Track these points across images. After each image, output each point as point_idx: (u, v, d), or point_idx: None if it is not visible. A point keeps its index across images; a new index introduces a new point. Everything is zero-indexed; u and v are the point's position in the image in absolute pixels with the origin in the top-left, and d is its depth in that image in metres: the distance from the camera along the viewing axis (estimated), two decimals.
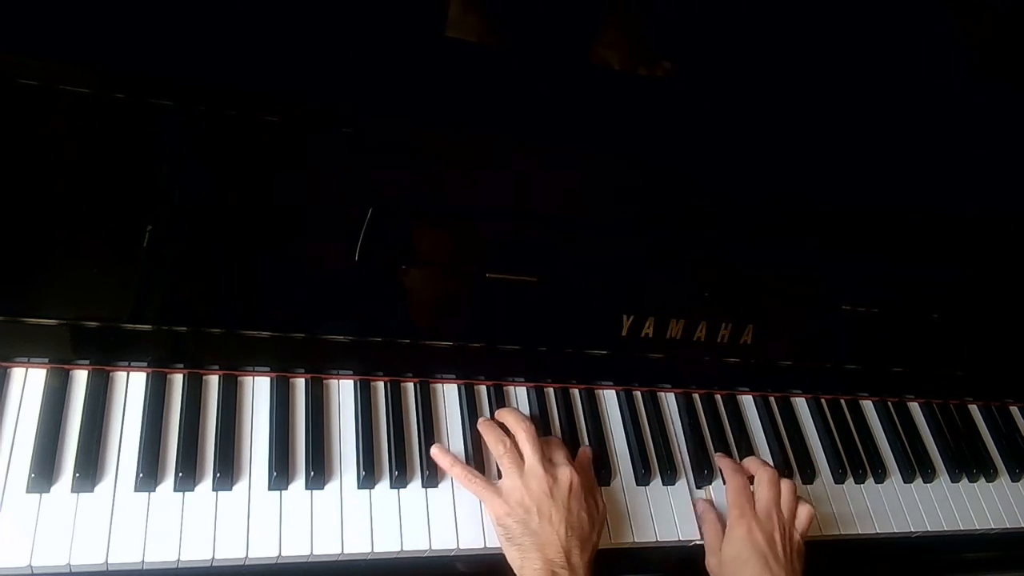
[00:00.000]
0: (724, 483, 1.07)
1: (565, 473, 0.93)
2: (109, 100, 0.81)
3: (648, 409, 1.12)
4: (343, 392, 0.99)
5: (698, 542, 1.03)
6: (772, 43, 1.08)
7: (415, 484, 0.96)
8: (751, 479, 1.05)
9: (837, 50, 1.10)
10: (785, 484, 1.03)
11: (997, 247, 1.24)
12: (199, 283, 0.90)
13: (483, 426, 0.99)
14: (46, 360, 0.89)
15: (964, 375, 1.30)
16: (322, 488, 0.92)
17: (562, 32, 1.03)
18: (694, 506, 1.05)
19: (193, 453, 0.88)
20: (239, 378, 0.95)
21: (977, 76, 1.18)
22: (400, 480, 0.94)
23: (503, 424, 0.99)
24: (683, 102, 1.09)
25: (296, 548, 0.87)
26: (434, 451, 0.96)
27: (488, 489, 0.93)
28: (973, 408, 1.33)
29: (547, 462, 0.94)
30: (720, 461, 1.08)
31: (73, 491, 0.84)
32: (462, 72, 0.98)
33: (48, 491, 0.83)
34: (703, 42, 1.08)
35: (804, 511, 1.01)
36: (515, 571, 0.89)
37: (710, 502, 1.06)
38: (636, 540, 1.01)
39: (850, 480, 1.16)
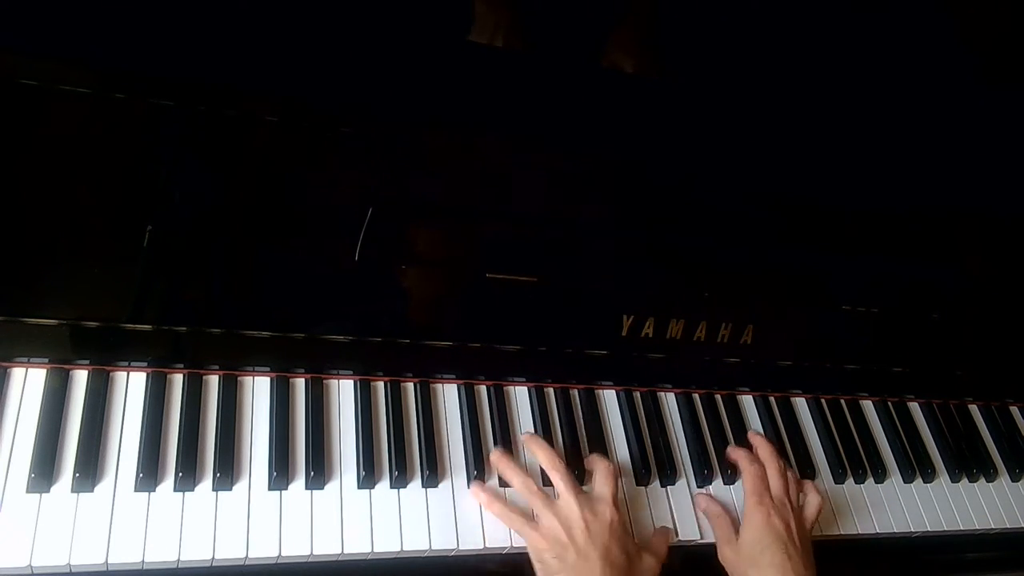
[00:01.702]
0: (723, 482, 1.08)
1: (604, 510, 0.92)
2: (109, 100, 0.81)
3: (648, 409, 1.11)
4: (343, 392, 0.99)
5: (698, 542, 1.03)
6: (771, 46, 1.08)
7: (415, 484, 0.96)
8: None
9: (837, 51, 1.10)
10: (791, 474, 1.05)
11: (997, 247, 1.24)
12: (199, 283, 0.90)
13: (504, 467, 0.96)
14: (46, 360, 0.89)
15: (964, 375, 1.30)
16: (322, 488, 0.92)
17: (564, 32, 1.03)
18: (695, 502, 1.05)
19: (193, 453, 0.88)
20: (239, 378, 0.95)
21: (976, 76, 1.18)
22: (400, 480, 0.94)
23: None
24: (685, 103, 1.09)
25: (296, 548, 0.87)
26: (473, 488, 0.95)
27: (527, 525, 0.92)
28: (973, 408, 1.33)
29: (583, 497, 0.93)
30: (735, 452, 1.07)
31: (73, 491, 0.84)
32: (462, 72, 0.98)
33: (48, 491, 0.83)
34: (707, 45, 1.07)
35: (814, 502, 1.03)
36: None
37: (710, 496, 1.05)
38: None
39: (850, 480, 1.16)
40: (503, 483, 0.98)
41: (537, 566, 0.91)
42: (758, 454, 1.06)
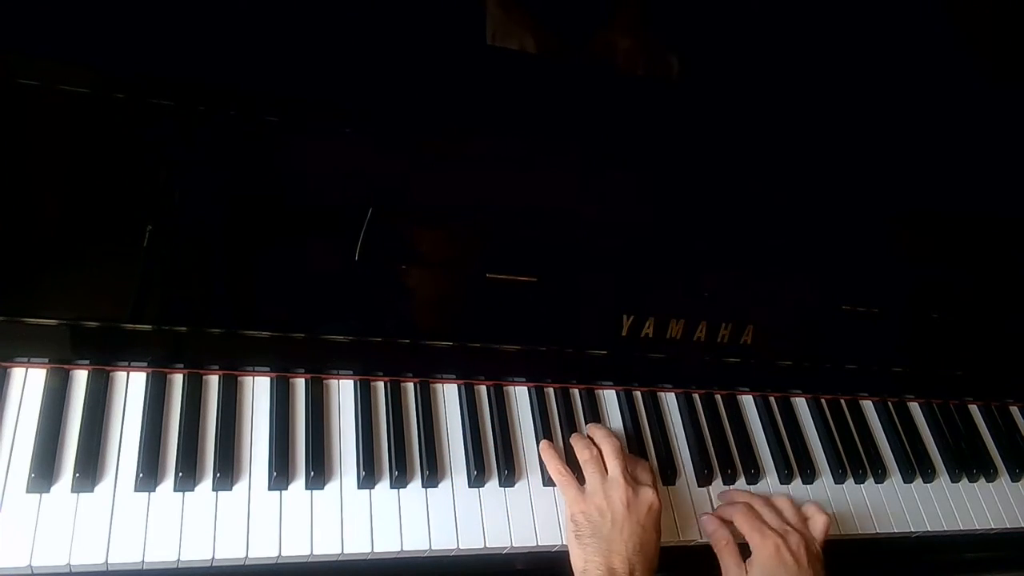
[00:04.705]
0: (723, 482, 1.08)
1: (647, 493, 0.95)
2: (109, 100, 0.81)
3: (648, 409, 1.12)
4: (343, 392, 0.99)
5: (699, 541, 1.03)
6: (773, 41, 1.09)
7: (415, 484, 0.96)
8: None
9: (838, 48, 1.11)
10: (781, 500, 1.04)
11: (997, 247, 1.24)
12: (199, 283, 0.90)
13: (573, 437, 1.03)
14: (46, 360, 0.89)
15: (964, 375, 1.30)
16: (322, 488, 0.92)
17: (565, 31, 1.03)
18: (701, 523, 1.03)
19: (193, 453, 0.88)
20: (239, 378, 0.95)
21: (977, 76, 1.18)
22: (400, 480, 0.94)
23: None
24: (684, 102, 1.09)
25: (296, 548, 0.87)
26: (543, 446, 1.01)
27: (573, 485, 0.96)
28: (973, 408, 1.33)
29: (631, 478, 0.96)
30: (711, 523, 1.03)
31: (73, 491, 0.84)
32: (460, 71, 0.98)
33: (48, 491, 0.83)
34: (707, 43, 1.08)
35: (820, 520, 1.01)
36: (575, 571, 0.91)
37: (720, 520, 1.02)
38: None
39: (850, 480, 1.16)
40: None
41: (569, 526, 0.93)
42: (734, 498, 1.05)
